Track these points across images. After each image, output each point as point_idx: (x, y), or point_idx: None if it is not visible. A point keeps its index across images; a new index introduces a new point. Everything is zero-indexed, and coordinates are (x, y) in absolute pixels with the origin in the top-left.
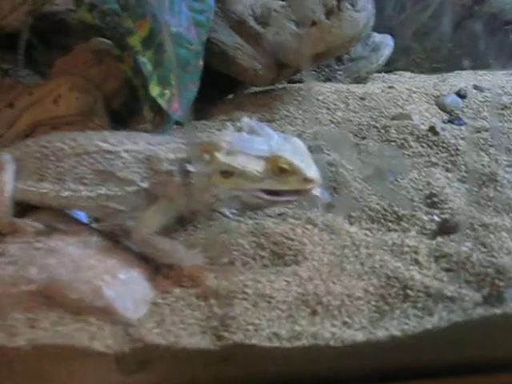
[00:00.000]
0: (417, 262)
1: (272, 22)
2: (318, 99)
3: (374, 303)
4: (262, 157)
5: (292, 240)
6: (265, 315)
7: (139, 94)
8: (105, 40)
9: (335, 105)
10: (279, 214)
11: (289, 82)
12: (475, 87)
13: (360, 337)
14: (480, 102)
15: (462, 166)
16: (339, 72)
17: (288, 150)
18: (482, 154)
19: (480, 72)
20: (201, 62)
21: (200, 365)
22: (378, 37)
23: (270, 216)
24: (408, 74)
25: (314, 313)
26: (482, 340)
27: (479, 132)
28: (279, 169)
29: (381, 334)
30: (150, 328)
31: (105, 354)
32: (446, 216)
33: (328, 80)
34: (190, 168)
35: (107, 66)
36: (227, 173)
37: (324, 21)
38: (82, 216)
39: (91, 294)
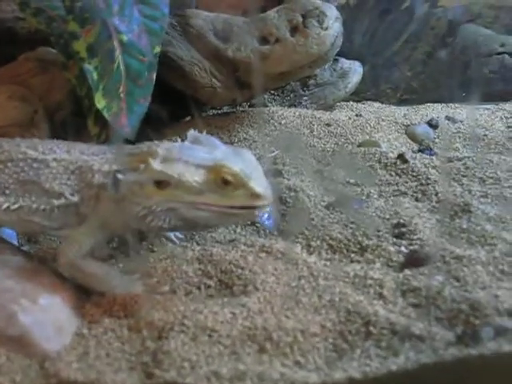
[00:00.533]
0: (381, 296)
1: (233, 37)
2: (280, 123)
3: (331, 341)
4: (203, 166)
5: (242, 268)
6: (204, 351)
7: (83, 105)
8: (52, 50)
9: (298, 130)
10: (230, 241)
11: (249, 107)
12: (448, 118)
13: (314, 379)
14: (452, 133)
15: (433, 196)
16: (305, 98)
17: (235, 162)
18: (455, 183)
19: (452, 105)
20: (153, 76)
21: None
22: (346, 63)
23: (219, 242)
24: (377, 104)
25: (261, 350)
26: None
27: (451, 162)
28: (222, 180)
29: (338, 375)
30: (69, 362)
31: None
32: (415, 247)
33: (293, 106)
34: (120, 176)
35: (52, 77)
36: (162, 183)
37: (288, 38)
38: (10, 234)
39: (4, 321)
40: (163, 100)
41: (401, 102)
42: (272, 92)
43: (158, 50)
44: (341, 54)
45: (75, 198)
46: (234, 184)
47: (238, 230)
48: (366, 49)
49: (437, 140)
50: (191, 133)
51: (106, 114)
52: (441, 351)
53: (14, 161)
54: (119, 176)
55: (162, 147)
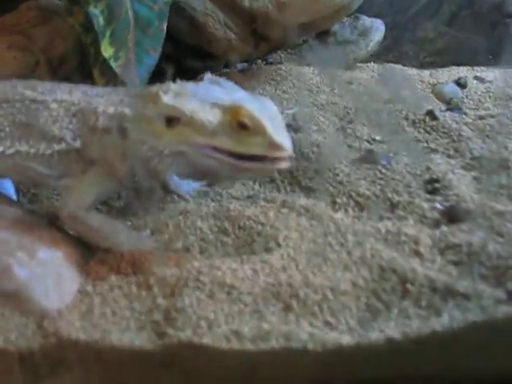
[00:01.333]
0: (417, 253)
1: None
2: (299, 80)
3: (364, 300)
4: (218, 105)
5: (262, 224)
6: (223, 309)
7: (89, 55)
8: (56, 0)
9: (318, 87)
10: (248, 197)
11: (266, 65)
12: (476, 78)
13: (347, 340)
14: (482, 92)
15: (467, 153)
16: (323, 56)
17: (255, 107)
18: (489, 140)
19: (478, 68)
20: (164, 26)
21: (133, 370)
22: (367, 20)
23: (236, 198)
24: (399, 66)
25: (287, 308)
26: (510, 345)
27: (484, 119)
28: (239, 123)
29: (374, 336)
30: (70, 320)
31: (4, 350)
32: (451, 203)
33: (311, 65)
34: (126, 110)
35: (55, 27)
36: (172, 120)
37: None
38: (6, 185)
39: None
40: (171, 55)
41: (424, 65)
42: (288, 51)
43: None
44: (360, 11)
45: (77, 144)
46: (252, 129)
47: (257, 186)
48: (387, 6)
49: (465, 100)
50: (208, 76)
51: (113, 64)
52: (490, 309)
53: (9, 102)
54: (126, 111)
55: (176, 85)
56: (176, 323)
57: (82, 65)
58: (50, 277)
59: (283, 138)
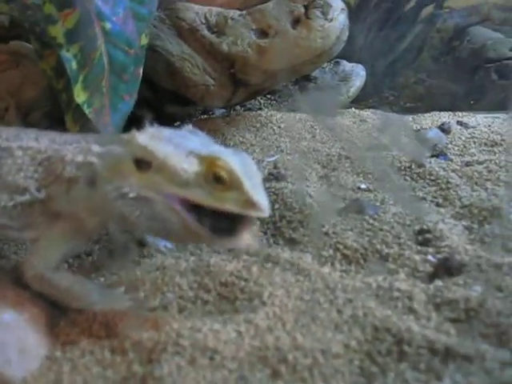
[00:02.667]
0: (411, 310)
1: (228, 31)
2: (279, 127)
3: (357, 363)
4: (195, 154)
5: (246, 280)
6: (205, 376)
7: (61, 100)
8: (26, 44)
9: (299, 134)
10: (229, 250)
11: (244, 111)
12: (460, 123)
13: None
14: (466, 138)
15: (456, 201)
16: (303, 102)
17: (233, 160)
18: (478, 188)
19: (460, 113)
20: (140, 71)
21: None
22: (348, 65)
23: (217, 252)
24: (379, 111)
25: (275, 374)
26: None
27: (471, 165)
28: (215, 176)
29: None
30: None
31: None
32: (444, 255)
33: (291, 111)
34: (95, 159)
35: (25, 71)
36: (143, 163)
37: (290, 30)
38: None
39: None
40: (149, 101)
41: (405, 110)
42: (268, 96)
43: (145, 41)
44: (341, 56)
45: (42, 195)
46: (228, 183)
47: None
48: (368, 52)
49: (450, 145)
50: (187, 127)
51: (86, 110)
52: (496, 373)
53: None
54: (94, 148)
55: (153, 128)
56: None
57: (52, 111)
58: (13, 342)
59: (261, 197)
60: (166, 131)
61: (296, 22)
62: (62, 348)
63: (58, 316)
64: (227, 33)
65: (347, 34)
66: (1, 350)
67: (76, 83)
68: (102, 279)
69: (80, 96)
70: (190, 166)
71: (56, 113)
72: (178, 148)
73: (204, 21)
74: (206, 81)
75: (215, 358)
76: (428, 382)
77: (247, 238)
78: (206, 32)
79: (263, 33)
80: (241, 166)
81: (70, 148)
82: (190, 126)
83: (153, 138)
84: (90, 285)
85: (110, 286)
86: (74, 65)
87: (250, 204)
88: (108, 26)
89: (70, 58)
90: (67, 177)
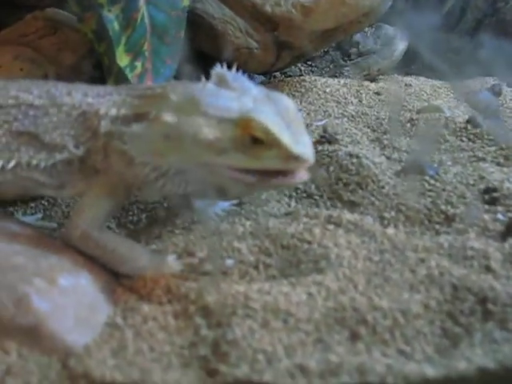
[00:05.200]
0: (489, 268)
1: None
2: (325, 92)
3: (439, 323)
4: (226, 118)
5: (309, 243)
6: (281, 339)
7: (103, 64)
8: (62, 11)
9: (345, 99)
10: (287, 214)
11: (286, 77)
12: (510, 85)
13: (431, 372)
14: None
15: None
16: (346, 68)
17: (268, 112)
18: None
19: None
20: (182, 33)
21: None
22: (390, 29)
23: (273, 216)
24: (423, 78)
25: (354, 336)
26: None
27: None
28: (251, 137)
29: (462, 367)
30: (101, 359)
31: None
32: None
33: (333, 77)
34: (124, 128)
35: (64, 38)
36: (177, 137)
37: None
38: None
39: (14, 306)
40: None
41: (448, 76)
42: (309, 63)
43: (187, 2)
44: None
45: (80, 152)
46: (266, 142)
47: (293, 203)
48: (408, 16)
49: (501, 108)
50: (216, 70)
51: (129, 74)
52: None
53: (3, 107)
54: (123, 128)
55: (178, 91)
56: (228, 358)
57: (93, 78)
58: (74, 307)
59: (302, 147)
60: (193, 94)
61: None
62: (122, 314)
63: (115, 282)
64: None
65: None
66: (61, 315)
67: (118, 45)
68: (154, 246)
69: (123, 59)
70: (223, 133)
71: (97, 81)
72: (207, 116)
73: None
74: (250, 44)
75: (289, 320)
76: None
77: (300, 175)
78: None
79: None
80: (277, 116)
81: (103, 101)
82: (218, 69)
83: (181, 110)
84: (140, 248)
85: (162, 252)
86: (116, 26)
87: (293, 157)
88: None
89: (111, 18)
90: (103, 131)
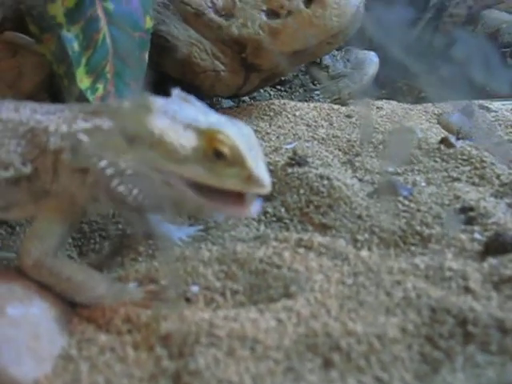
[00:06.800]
0: (468, 289)
1: (237, 13)
2: (294, 115)
3: (417, 348)
4: (193, 126)
5: (278, 267)
6: (248, 368)
7: (62, 87)
8: (21, 35)
9: (316, 122)
10: (255, 238)
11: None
12: (481, 107)
13: None
14: (490, 121)
15: (495, 179)
16: (316, 92)
17: (235, 131)
18: None
19: (476, 102)
20: (146, 55)
21: None
22: (360, 53)
23: (241, 240)
24: (394, 102)
25: (328, 364)
26: None
27: (502, 145)
28: (215, 151)
29: None
30: None
31: None
32: (495, 232)
33: (304, 101)
34: (82, 124)
35: (22, 61)
36: (136, 138)
37: (303, 9)
38: None
39: None
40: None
41: (420, 100)
42: (277, 87)
43: (150, 24)
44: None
45: (27, 169)
46: (229, 159)
47: (262, 227)
48: (379, 40)
49: (474, 130)
50: (176, 91)
51: (90, 97)
52: None
53: None
54: (81, 124)
55: (142, 98)
56: None
57: (52, 101)
58: (23, 339)
59: (263, 172)
60: (158, 100)
61: (309, 0)
62: (78, 346)
63: (71, 312)
64: (236, 15)
65: (363, 12)
66: (10, 348)
67: (78, 67)
68: (115, 274)
69: (83, 81)
70: (188, 141)
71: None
72: (174, 121)
73: (210, 4)
74: (216, 66)
75: (257, 348)
76: (504, 365)
77: (253, 206)
78: (213, 15)
79: (274, 13)
80: (241, 138)
81: (53, 118)
82: (177, 90)
83: (145, 111)
84: (98, 275)
85: (123, 280)
86: (75, 46)
87: (253, 180)
88: (111, 6)
89: (71, 38)
90: (52, 149)
